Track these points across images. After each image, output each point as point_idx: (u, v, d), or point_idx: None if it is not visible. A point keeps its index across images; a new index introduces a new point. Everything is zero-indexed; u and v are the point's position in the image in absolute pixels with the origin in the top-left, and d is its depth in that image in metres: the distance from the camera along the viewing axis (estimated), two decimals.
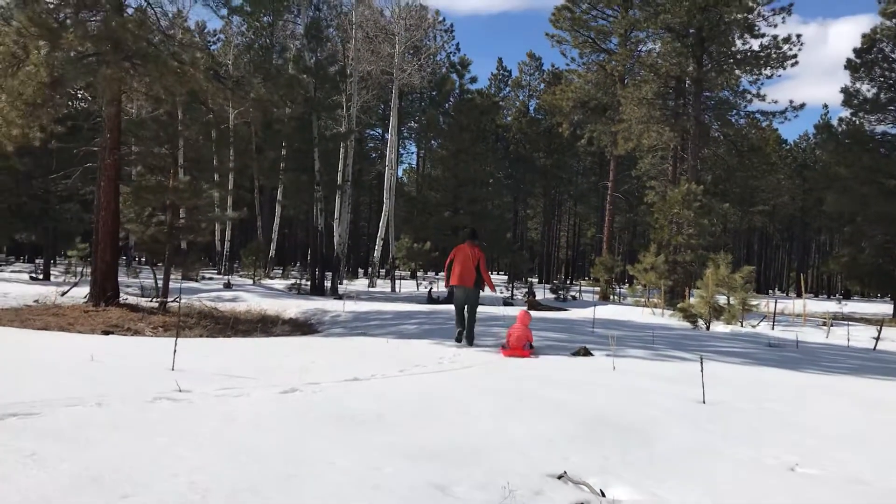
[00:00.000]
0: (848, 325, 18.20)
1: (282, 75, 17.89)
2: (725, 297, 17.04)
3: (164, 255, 17.07)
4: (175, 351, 7.28)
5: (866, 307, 36.09)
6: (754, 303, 16.85)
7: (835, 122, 47.54)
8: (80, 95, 20.08)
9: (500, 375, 7.82)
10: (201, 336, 12.91)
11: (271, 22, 46.94)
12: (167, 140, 16.77)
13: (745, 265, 18.21)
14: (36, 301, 17.86)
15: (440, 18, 53.96)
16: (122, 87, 15.01)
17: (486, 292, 13.03)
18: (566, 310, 19.42)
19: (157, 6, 16.92)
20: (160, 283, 17.64)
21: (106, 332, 12.22)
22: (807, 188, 65.15)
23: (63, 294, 18.63)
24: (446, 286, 11.84)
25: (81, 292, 17.78)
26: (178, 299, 17.99)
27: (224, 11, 17.08)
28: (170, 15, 17.13)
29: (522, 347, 10.17)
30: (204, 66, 15.32)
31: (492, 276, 59.01)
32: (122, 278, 25.63)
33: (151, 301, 17.44)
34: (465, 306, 11.07)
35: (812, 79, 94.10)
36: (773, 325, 17.39)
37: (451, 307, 11.85)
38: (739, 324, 16.54)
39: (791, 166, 65.18)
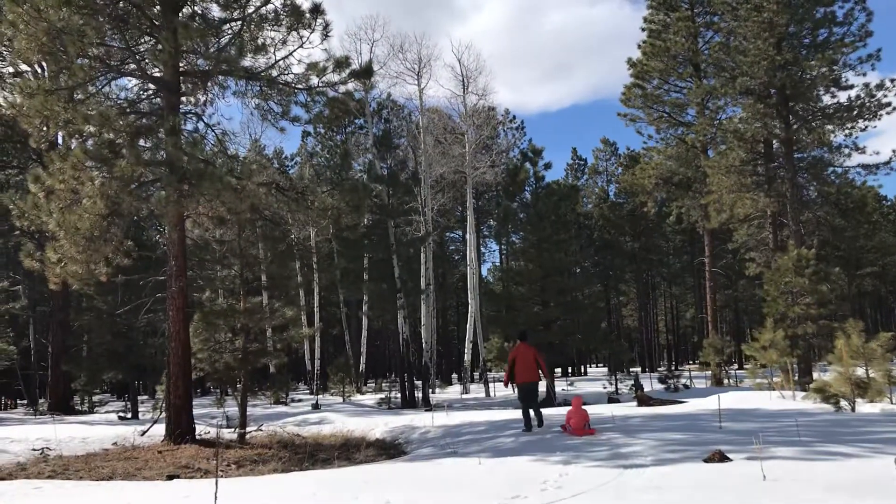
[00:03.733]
0: None
1: (346, 182, 17.16)
2: (863, 371, 14.79)
3: (238, 383, 16.04)
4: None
5: None
6: None
7: None
8: (142, 224, 19.81)
9: (622, 502, 6.19)
10: (275, 471, 11.61)
11: (343, 139, 47.71)
12: (235, 261, 16.01)
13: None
14: (115, 444, 16.98)
15: (510, 117, 54.08)
16: (182, 209, 14.37)
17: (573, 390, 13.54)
18: (681, 402, 17.39)
19: (217, 128, 16.51)
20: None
21: (171, 477, 11.05)
22: None
23: (143, 433, 17.74)
24: (505, 385, 13.61)
25: (163, 430, 16.88)
26: (260, 428, 16.92)
27: (283, 123, 16.14)
28: (231, 135, 16.64)
29: (584, 428, 11.75)
30: (264, 180, 14.65)
31: (591, 370, 56.96)
32: (207, 409, 24.98)
33: (233, 432, 16.37)
34: (528, 397, 12.89)
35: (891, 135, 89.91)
36: None
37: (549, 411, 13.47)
38: (888, 401, 14.24)
39: (894, 223, 61.18)
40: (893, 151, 28.36)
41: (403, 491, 7.64)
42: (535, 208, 24.54)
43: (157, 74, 15.47)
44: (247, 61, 15.54)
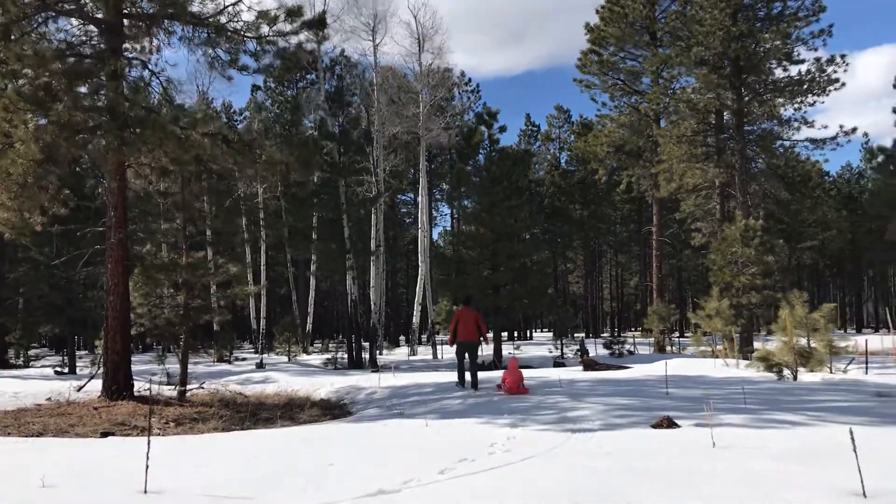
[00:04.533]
0: None
1: (297, 137, 16.66)
2: (805, 341, 15.01)
3: (180, 339, 15.59)
4: (147, 467, 5.66)
5: None
6: (842, 344, 14.79)
7: (876, 150, 45.48)
8: (81, 172, 19.03)
9: (572, 469, 6.06)
10: (215, 430, 11.29)
11: (294, 94, 46.70)
12: (178, 214, 15.45)
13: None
14: (49, 399, 16.43)
15: (465, 79, 53.52)
16: (123, 158, 13.76)
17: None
18: (627, 367, 17.50)
19: (162, 76, 15.79)
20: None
21: (104, 434, 10.65)
22: (855, 220, 62.53)
23: (79, 389, 17.21)
24: (451, 344, 14.44)
25: (101, 386, 16.36)
26: (201, 385, 16.52)
27: (231, 72, 15.51)
28: (177, 83, 15.93)
29: (518, 387, 12.64)
30: (210, 130, 14.08)
31: (536, 334, 57.38)
32: (147, 366, 24.40)
33: (173, 389, 15.96)
34: (467, 355, 13.82)
35: (842, 112, 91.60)
36: (867, 368, 15.29)
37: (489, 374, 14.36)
38: (828, 370, 14.50)
39: (836, 199, 62.57)
40: (840, 127, 28.74)
41: (347, 452, 7.42)
42: (488, 172, 24.29)
43: (99, 16, 14.73)
44: (195, 6, 14.90)
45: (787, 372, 13.70)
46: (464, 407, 11.19)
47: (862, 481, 4.92)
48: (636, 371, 16.20)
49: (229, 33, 15.32)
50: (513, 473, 5.97)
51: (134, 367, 16.02)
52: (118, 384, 14.57)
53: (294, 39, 16.15)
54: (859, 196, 63.86)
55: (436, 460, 6.62)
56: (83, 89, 14.17)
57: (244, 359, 30.11)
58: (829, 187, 63.37)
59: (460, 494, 5.21)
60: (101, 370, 15.65)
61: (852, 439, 5.05)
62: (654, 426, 8.32)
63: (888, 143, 31.85)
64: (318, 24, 16.11)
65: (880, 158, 30.69)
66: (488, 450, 7.28)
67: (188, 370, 15.81)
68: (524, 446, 7.38)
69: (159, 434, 10.78)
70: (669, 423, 8.30)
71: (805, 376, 13.80)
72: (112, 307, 14.68)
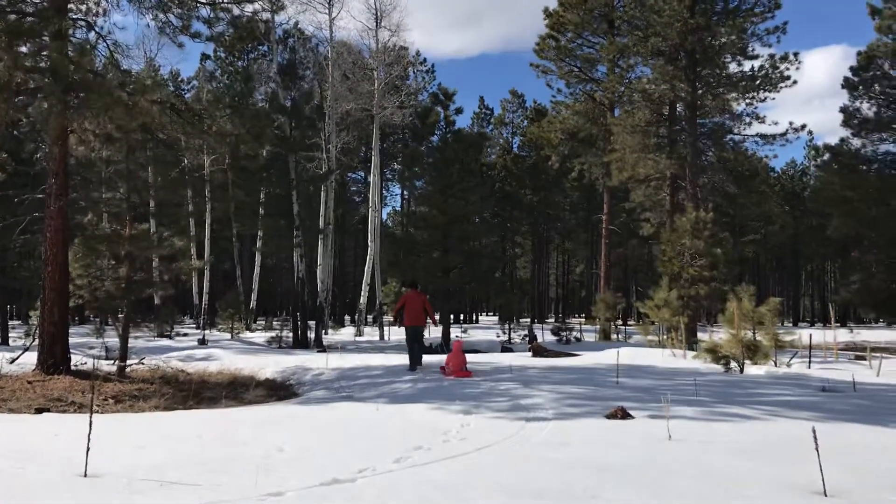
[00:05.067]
0: (882, 356, 16.38)
1: (248, 108, 16.16)
2: (751, 334, 15.19)
3: (120, 313, 15.08)
4: (88, 449, 5.35)
5: (879, 335, 34.33)
6: (787, 339, 15.00)
7: (822, 148, 46.46)
8: (20, 136, 18.23)
9: (530, 462, 5.92)
10: (157, 408, 10.92)
11: (246, 65, 45.68)
12: (122, 183, 14.86)
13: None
14: None
15: (420, 59, 53.00)
16: (65, 122, 13.15)
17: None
18: (576, 354, 17.51)
19: (110, 40, 15.11)
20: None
21: (40, 410, 10.19)
22: (797, 215, 64.10)
23: (12, 362, 16.50)
24: (398, 326, 15.14)
25: (35, 359, 15.72)
26: (142, 361, 15.98)
27: (182, 38, 14.93)
28: (125, 47, 15.26)
29: (462, 370, 12.86)
30: (158, 97, 13.56)
31: (482, 318, 57.53)
32: (85, 339, 23.65)
33: (113, 364, 15.44)
34: (415, 339, 14.13)
35: (787, 110, 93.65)
36: (810, 362, 15.56)
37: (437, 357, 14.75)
38: (773, 363, 14.69)
39: (779, 194, 63.96)
40: (790, 123, 29.18)
41: (297, 436, 7.18)
42: (442, 153, 24.00)
43: None
44: None
45: (734, 364, 13.83)
46: (414, 391, 11.01)
47: (823, 480, 4.88)
48: (586, 359, 16.22)
49: None
50: (470, 464, 5.81)
51: (71, 340, 15.45)
52: (55, 357, 14.02)
53: (249, 7, 15.69)
54: (802, 192, 65.37)
55: (390, 448, 6.42)
56: (24, 49, 13.51)
57: (185, 334, 29.45)
58: (774, 183, 64.68)
59: (420, 486, 5.01)
60: (37, 342, 15.06)
61: (815, 438, 5.00)
62: (609, 416, 8.24)
63: (833, 142, 32.55)
64: None
65: (826, 156, 31.28)
66: (442, 437, 7.12)
67: (128, 345, 15.33)
68: (479, 434, 7.23)
69: (98, 412, 10.35)
70: (624, 414, 8.24)
71: (751, 369, 13.95)
72: (50, 277, 14.09)
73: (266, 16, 17.60)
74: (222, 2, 15.03)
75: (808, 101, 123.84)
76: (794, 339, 15.16)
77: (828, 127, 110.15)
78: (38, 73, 13.04)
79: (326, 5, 30.02)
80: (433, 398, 10.01)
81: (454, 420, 8.19)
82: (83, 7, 15.17)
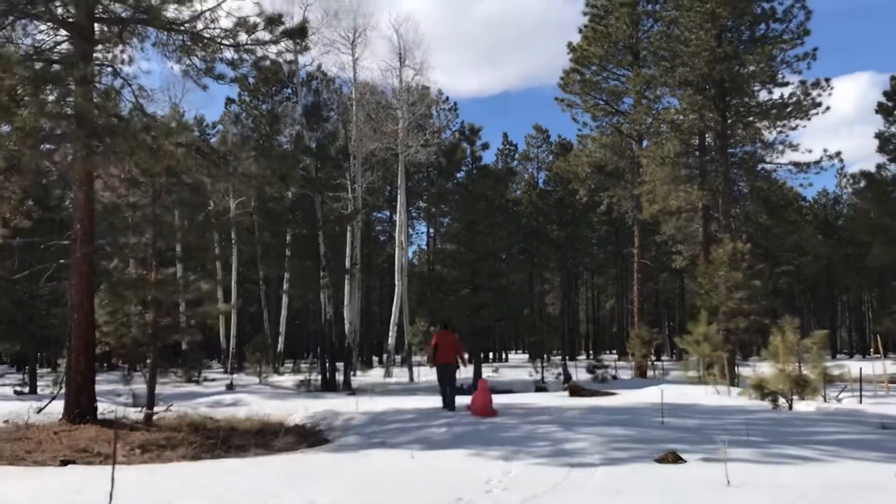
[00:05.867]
0: None
1: (274, 149, 16.01)
2: (798, 368, 14.54)
3: (147, 359, 14.80)
4: None
5: None
6: (836, 372, 14.35)
7: (858, 175, 45.63)
8: (46, 183, 18.20)
9: None
10: (184, 458, 10.53)
11: (270, 108, 46.01)
12: (148, 228, 14.69)
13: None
14: (6, 421, 15.47)
15: (443, 97, 53.10)
16: (90, 168, 13.03)
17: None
18: (614, 393, 16.93)
19: (135, 84, 15.04)
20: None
21: (65, 462, 9.85)
22: (831, 245, 62.81)
23: (39, 411, 16.25)
24: (430, 366, 15.47)
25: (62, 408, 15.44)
26: (169, 408, 15.63)
27: (206, 80, 14.85)
28: (149, 91, 15.18)
29: (487, 409, 12.85)
30: (183, 140, 13.40)
31: (511, 356, 56.84)
32: (112, 386, 23.40)
33: (139, 412, 15.11)
34: (447, 377, 14.14)
35: (814, 138, 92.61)
36: (861, 397, 14.84)
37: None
38: (822, 398, 14.03)
39: (812, 224, 62.86)
40: (824, 150, 28.63)
41: (330, 488, 6.75)
42: (470, 189, 23.72)
43: (70, 20, 14.04)
44: (170, 11, 14.25)
45: (782, 401, 13.21)
46: (450, 436, 10.53)
47: None
48: (625, 398, 15.64)
49: (205, 40, 14.69)
50: None
51: (98, 388, 15.17)
52: (81, 406, 13.73)
53: (273, 49, 15.56)
54: (835, 221, 64.25)
55: (431, 500, 5.97)
56: (50, 96, 13.46)
57: (213, 379, 29.14)
58: (806, 212, 63.68)
59: None
60: (63, 391, 14.81)
61: None
62: (659, 461, 7.73)
63: (864, 168, 31.84)
64: (299, 33, 15.55)
65: (862, 183, 30.57)
66: (484, 487, 6.66)
67: (156, 392, 15.02)
68: (523, 483, 6.76)
69: (124, 462, 9.98)
70: (675, 458, 7.72)
71: (800, 405, 13.32)
72: (76, 325, 13.88)
73: (290, 56, 17.47)
74: (246, 44, 14.93)
75: (834, 130, 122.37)
76: (843, 373, 14.48)
77: (857, 155, 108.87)
78: (64, 119, 12.95)
79: (350, 46, 30.12)
80: (470, 443, 9.53)
81: (494, 467, 7.72)
82: (109, 55, 15.19)
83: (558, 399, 15.54)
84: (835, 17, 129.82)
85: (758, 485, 6.40)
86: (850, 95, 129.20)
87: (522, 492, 6.35)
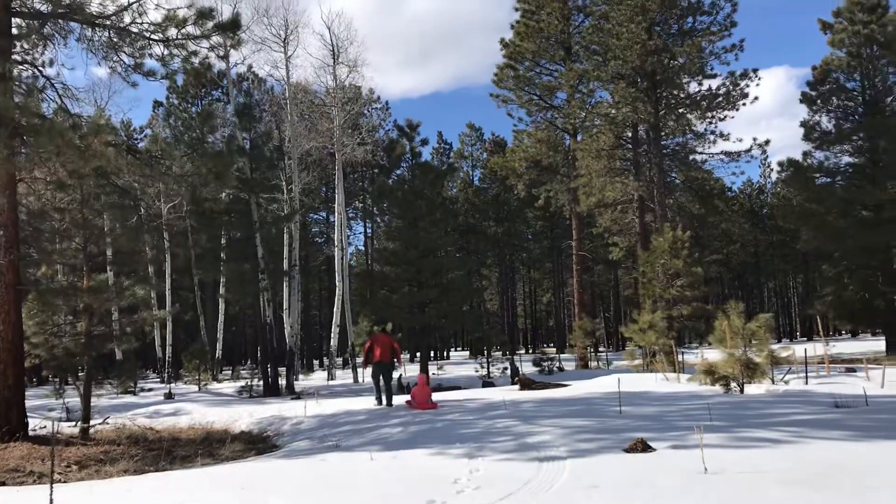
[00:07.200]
0: (884, 367, 16.02)
1: (208, 148, 15.43)
2: (746, 352, 14.66)
3: (81, 371, 14.07)
4: None
5: (854, 346, 34.24)
6: (784, 355, 14.51)
7: (785, 164, 46.96)
8: None
9: None
10: (126, 472, 9.97)
11: (200, 111, 44.85)
12: (77, 233, 13.96)
13: None
14: None
15: (375, 97, 52.60)
16: (13, 169, 12.29)
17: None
18: (565, 384, 16.83)
19: (57, 81, 14.30)
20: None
21: None
22: (756, 233, 64.57)
23: None
24: (364, 367, 16.69)
25: None
26: (106, 420, 14.93)
27: (136, 77, 14.19)
28: (74, 90, 14.41)
29: (427, 402, 13.40)
30: (113, 140, 12.75)
31: (452, 353, 56.64)
32: (43, 401, 22.34)
33: (74, 426, 14.37)
34: (382, 376, 14.46)
35: (738, 131, 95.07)
36: (807, 378, 15.07)
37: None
38: (770, 381, 14.18)
39: (739, 213, 64.48)
40: (754, 139, 29.26)
41: (288, 496, 6.38)
42: (411, 185, 23.44)
43: None
44: (93, 5, 13.56)
45: (733, 385, 13.30)
46: (407, 435, 10.22)
47: None
48: (576, 389, 15.55)
49: (133, 35, 14.03)
50: None
51: (29, 403, 14.38)
52: (10, 423, 12.93)
53: (205, 44, 14.97)
54: (760, 210, 66.07)
55: None
56: None
57: (151, 389, 28.14)
58: (732, 202, 65.23)
59: None
60: None
61: None
62: (628, 450, 7.58)
63: (785, 160, 32.51)
64: (232, 25, 14.95)
65: (788, 172, 31.38)
66: (454, 487, 6.38)
67: (91, 404, 14.30)
68: (493, 481, 6.51)
69: (60, 480, 9.40)
70: (644, 447, 7.59)
71: (751, 388, 13.44)
72: (3, 337, 13.05)
73: (221, 52, 16.89)
74: (176, 38, 14.33)
75: (755, 122, 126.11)
76: (789, 356, 14.65)
77: (778, 146, 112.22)
78: None
79: (282, 44, 29.43)
80: (429, 442, 9.25)
81: (459, 465, 7.46)
82: (29, 51, 14.44)
83: (510, 393, 15.36)
84: (751, 13, 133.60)
85: (736, 471, 6.29)
86: (768, 89, 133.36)
87: (496, 490, 6.11)
